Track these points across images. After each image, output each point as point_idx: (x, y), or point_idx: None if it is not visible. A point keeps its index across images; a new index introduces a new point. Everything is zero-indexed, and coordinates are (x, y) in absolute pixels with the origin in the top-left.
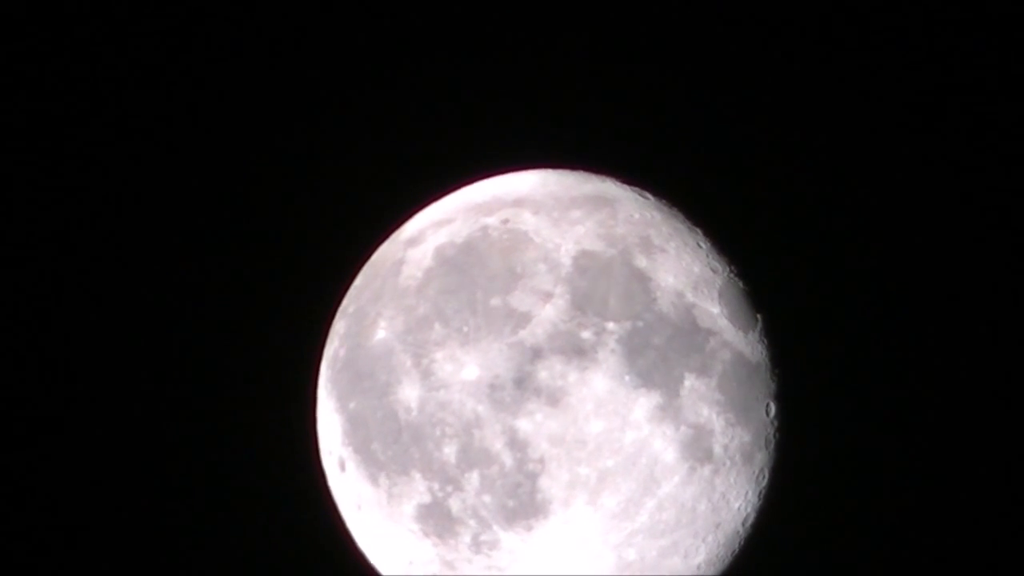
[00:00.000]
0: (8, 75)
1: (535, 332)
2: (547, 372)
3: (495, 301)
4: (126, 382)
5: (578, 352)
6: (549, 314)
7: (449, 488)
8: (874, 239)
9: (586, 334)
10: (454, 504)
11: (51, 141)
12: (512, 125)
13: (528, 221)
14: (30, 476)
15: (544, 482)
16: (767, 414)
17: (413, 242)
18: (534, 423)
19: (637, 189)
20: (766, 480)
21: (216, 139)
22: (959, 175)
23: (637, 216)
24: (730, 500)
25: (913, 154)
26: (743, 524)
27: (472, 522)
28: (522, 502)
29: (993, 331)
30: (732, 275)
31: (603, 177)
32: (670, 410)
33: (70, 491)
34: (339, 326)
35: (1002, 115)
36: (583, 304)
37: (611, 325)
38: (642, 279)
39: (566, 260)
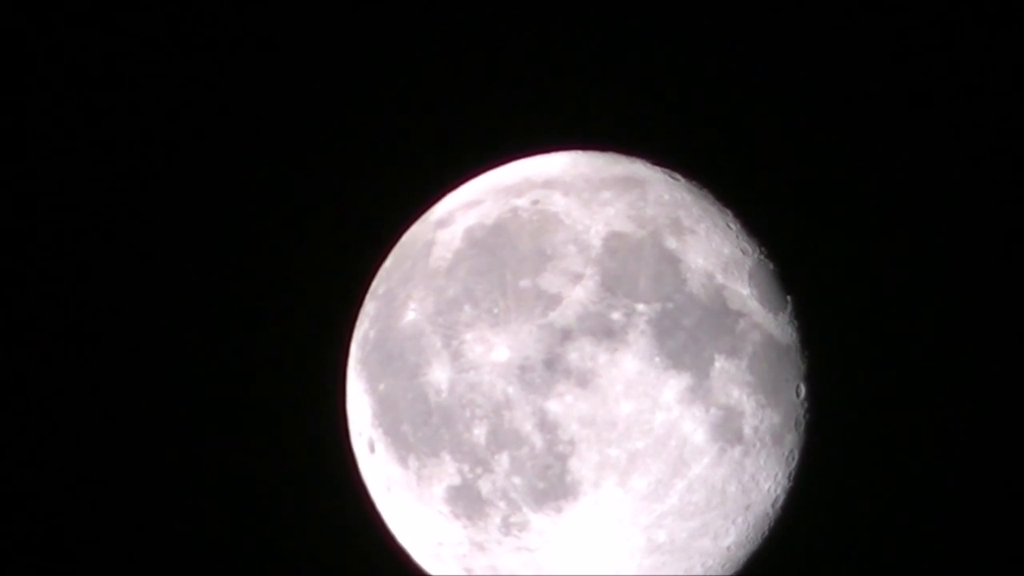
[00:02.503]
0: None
1: (565, 313)
2: (577, 353)
3: (525, 282)
4: (155, 363)
5: (608, 333)
6: (579, 295)
7: (479, 470)
8: (905, 220)
9: (616, 315)
10: (484, 486)
11: (84, 143)
12: (542, 106)
13: (558, 202)
14: (63, 447)
15: (574, 463)
16: (797, 395)
17: (443, 223)
18: (564, 404)
19: (667, 170)
20: (796, 462)
21: (247, 122)
22: (990, 157)
23: (667, 197)
24: (760, 482)
25: (944, 135)
26: (773, 506)
27: (502, 504)
28: (552, 484)
29: None
30: (762, 256)
31: (633, 158)
32: (700, 391)
33: (96, 474)
34: (369, 308)
35: None
36: (613, 285)
37: (641, 306)
38: (672, 260)
39: (596, 241)
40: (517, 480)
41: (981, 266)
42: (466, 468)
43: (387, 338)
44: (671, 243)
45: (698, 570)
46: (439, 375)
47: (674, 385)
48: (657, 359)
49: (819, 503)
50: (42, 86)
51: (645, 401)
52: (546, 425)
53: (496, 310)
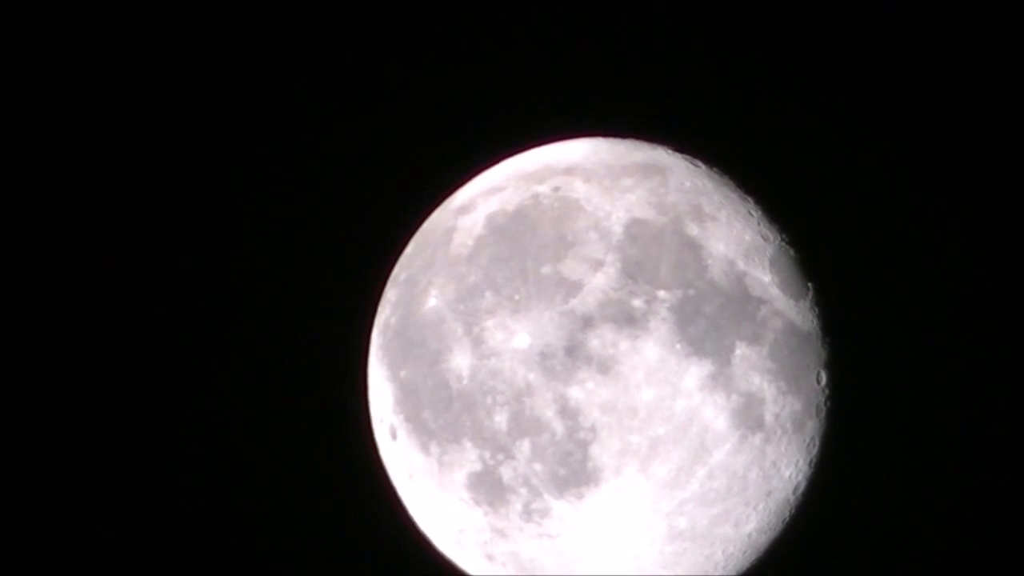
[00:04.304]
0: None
1: (586, 300)
2: (598, 340)
3: (546, 269)
4: (175, 351)
5: (629, 320)
6: (600, 282)
7: (500, 456)
8: (926, 207)
9: (637, 302)
10: (505, 472)
11: (102, 146)
12: (563, 93)
13: (579, 189)
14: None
15: (595, 450)
16: (818, 383)
17: (464, 210)
18: (585, 391)
19: (688, 157)
20: (817, 449)
21: (268, 109)
22: (1015, 143)
23: (688, 184)
24: (781, 468)
25: (968, 121)
26: (794, 492)
27: (523, 490)
28: (573, 470)
29: None
30: (783, 243)
31: (654, 145)
32: (721, 379)
33: (121, 459)
34: (390, 294)
35: None
36: (634, 272)
37: (662, 293)
38: (693, 247)
39: (617, 228)
40: (538, 467)
41: (1004, 253)
42: (487, 455)
43: (408, 325)
44: (692, 230)
45: (719, 557)
46: (460, 362)
47: (695, 372)
48: (678, 346)
49: (840, 490)
50: (59, 89)
51: (666, 388)
52: (567, 412)
53: (517, 297)
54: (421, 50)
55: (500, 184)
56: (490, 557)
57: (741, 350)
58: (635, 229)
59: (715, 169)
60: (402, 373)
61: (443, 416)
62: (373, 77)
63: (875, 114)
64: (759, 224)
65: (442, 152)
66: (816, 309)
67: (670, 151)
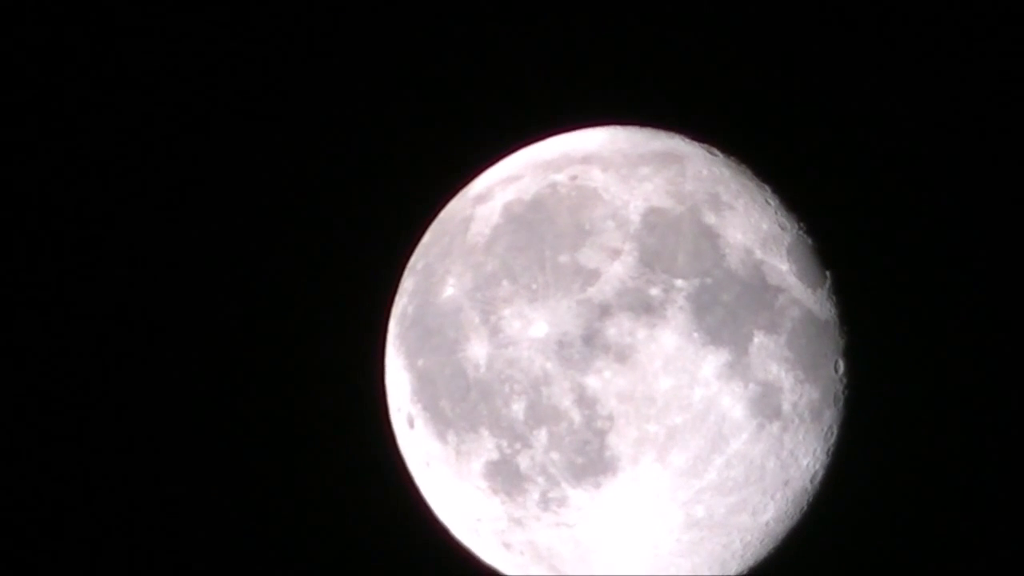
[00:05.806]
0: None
1: (603, 289)
2: (615, 329)
3: (563, 258)
4: (191, 340)
5: (647, 309)
6: (617, 271)
7: (517, 445)
8: (944, 194)
9: (655, 291)
10: (522, 461)
11: (122, 146)
12: (581, 82)
13: (597, 178)
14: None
15: (612, 439)
16: (836, 371)
17: (481, 199)
18: (602, 380)
19: (706, 146)
20: (835, 437)
21: (282, 100)
22: None
23: (706, 173)
24: (799, 457)
25: (985, 109)
26: (811, 481)
27: (540, 479)
28: (590, 459)
29: None
30: (801, 232)
31: (672, 134)
32: (739, 367)
33: (133, 449)
34: (407, 283)
35: None
36: (651, 261)
37: (679, 282)
38: (711, 236)
39: (635, 217)
40: (555, 456)
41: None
42: (505, 444)
43: (425, 313)
44: (710, 218)
45: (736, 545)
46: (477, 351)
47: (713, 361)
48: (696, 335)
49: (858, 479)
50: (64, 89)
51: (683, 377)
52: (584, 401)
53: (534, 286)
54: (440, 39)
55: (517, 173)
56: (507, 546)
57: (759, 339)
58: (652, 218)
59: (732, 158)
60: (419, 362)
61: (460, 405)
62: (391, 66)
63: (893, 102)
64: (776, 213)
65: (459, 141)
66: (834, 298)
67: (688, 140)
